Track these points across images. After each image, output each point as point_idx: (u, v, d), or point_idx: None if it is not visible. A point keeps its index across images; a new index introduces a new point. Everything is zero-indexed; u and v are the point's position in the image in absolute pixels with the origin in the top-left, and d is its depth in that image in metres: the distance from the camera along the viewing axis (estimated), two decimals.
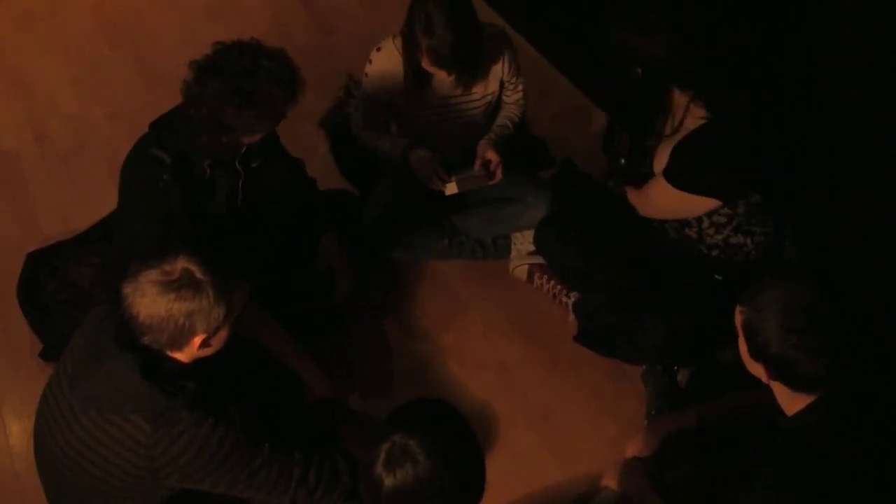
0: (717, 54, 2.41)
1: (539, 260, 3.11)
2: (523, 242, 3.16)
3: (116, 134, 3.70)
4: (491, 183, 3.02)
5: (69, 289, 2.87)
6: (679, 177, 2.48)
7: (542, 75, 4.02)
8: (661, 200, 2.58)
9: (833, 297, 1.88)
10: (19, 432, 2.73)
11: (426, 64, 2.77)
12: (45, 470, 2.15)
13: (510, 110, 3.15)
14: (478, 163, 2.99)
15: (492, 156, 2.98)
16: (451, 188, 2.95)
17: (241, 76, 2.31)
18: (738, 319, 1.95)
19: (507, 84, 3.09)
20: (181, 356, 2.00)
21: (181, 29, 4.32)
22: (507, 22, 4.18)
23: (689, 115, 2.47)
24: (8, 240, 3.33)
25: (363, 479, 1.76)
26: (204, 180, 2.51)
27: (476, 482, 1.78)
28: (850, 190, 2.75)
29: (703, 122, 2.43)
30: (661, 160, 2.53)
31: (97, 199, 3.34)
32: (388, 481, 1.70)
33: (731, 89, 2.41)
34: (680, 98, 2.49)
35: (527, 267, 3.15)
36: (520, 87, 3.12)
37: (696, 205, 2.53)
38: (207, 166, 2.49)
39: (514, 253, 3.21)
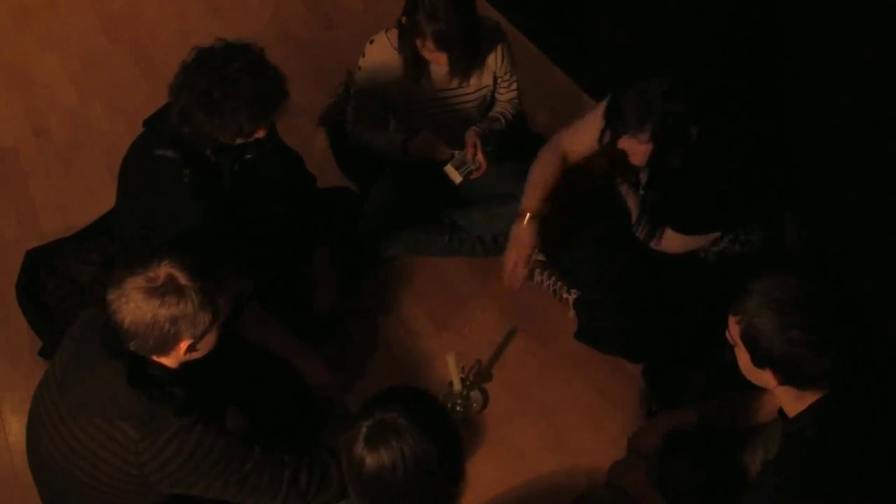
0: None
1: (539, 257, 3.11)
2: None
3: (116, 129, 3.70)
4: (475, 175, 3.02)
5: (69, 286, 2.87)
6: (681, 224, 2.54)
7: (542, 72, 4.01)
8: (672, 244, 2.65)
9: (824, 284, 1.87)
10: (18, 430, 2.73)
11: (427, 50, 2.79)
12: (38, 472, 2.15)
13: (503, 107, 3.16)
14: (468, 151, 2.99)
15: (479, 147, 2.99)
16: (455, 175, 2.96)
17: (215, 81, 2.32)
18: (735, 330, 1.92)
19: (500, 80, 3.10)
20: (168, 361, 1.99)
21: (181, 23, 4.32)
22: (506, 18, 4.18)
23: None
24: (7, 236, 3.33)
25: (344, 461, 1.75)
26: (211, 165, 2.51)
27: (457, 466, 1.79)
28: (852, 183, 2.75)
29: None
30: None
31: (97, 195, 3.34)
32: (371, 460, 1.68)
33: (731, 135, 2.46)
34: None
35: None
36: (514, 86, 3.13)
37: (699, 240, 2.62)
38: (210, 153, 2.49)
39: None
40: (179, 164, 2.44)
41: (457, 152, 3.00)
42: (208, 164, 2.51)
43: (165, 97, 2.49)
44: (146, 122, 2.55)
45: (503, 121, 3.15)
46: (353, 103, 3.10)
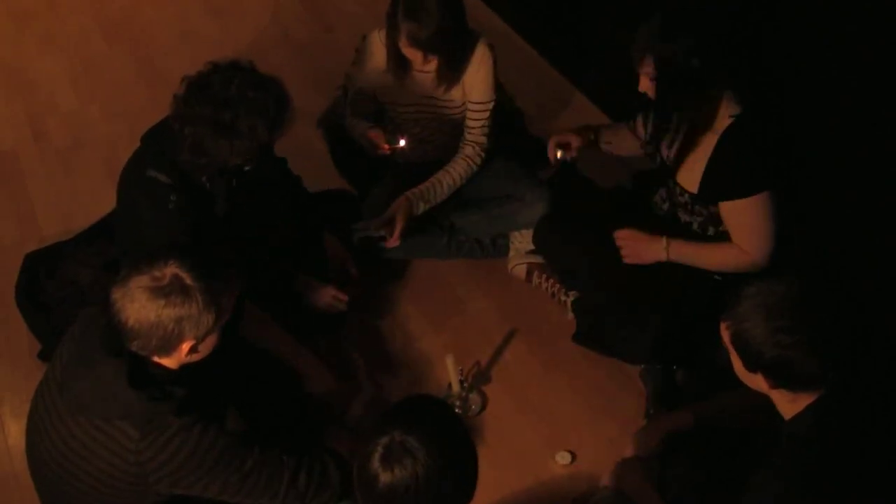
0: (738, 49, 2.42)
1: (538, 259, 3.11)
2: (522, 241, 3.15)
3: (115, 131, 3.71)
4: (387, 244, 3.01)
5: (68, 288, 2.87)
6: (750, 183, 2.47)
7: (541, 74, 4.01)
8: (756, 221, 2.53)
9: (813, 286, 1.86)
10: (18, 433, 2.73)
11: (404, 46, 2.77)
12: (37, 473, 2.14)
13: (458, 169, 3.06)
14: (376, 222, 2.98)
15: (399, 221, 2.97)
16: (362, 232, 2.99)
17: (222, 105, 2.31)
18: (726, 336, 1.92)
19: (470, 105, 3.01)
20: (169, 362, 1.99)
21: (181, 25, 4.33)
22: (506, 21, 4.18)
23: (722, 110, 2.47)
24: (6, 238, 3.33)
25: (357, 473, 1.74)
26: (205, 191, 2.51)
27: (469, 485, 1.78)
28: (852, 183, 2.74)
29: (730, 120, 2.45)
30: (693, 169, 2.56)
31: (96, 197, 3.34)
32: (385, 477, 1.68)
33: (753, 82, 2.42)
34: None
35: (525, 266, 3.15)
36: (483, 124, 3.02)
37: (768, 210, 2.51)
38: (205, 180, 2.49)
39: (512, 252, 3.20)
40: (169, 189, 2.45)
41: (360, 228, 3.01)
42: (201, 190, 2.51)
43: (165, 99, 2.48)
44: (144, 138, 2.56)
45: (444, 187, 3.04)
46: (349, 99, 3.11)
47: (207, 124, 2.33)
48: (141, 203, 2.50)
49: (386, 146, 2.99)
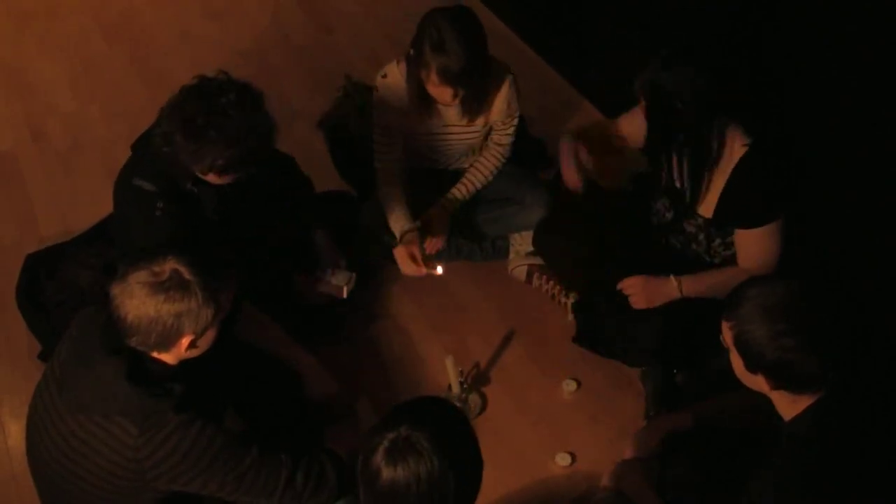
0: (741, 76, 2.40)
1: (538, 260, 3.10)
2: (522, 243, 3.15)
3: (114, 132, 3.71)
4: (430, 250, 3.00)
5: (68, 290, 2.86)
6: (767, 213, 2.48)
7: (541, 76, 4.01)
8: (768, 245, 2.54)
9: (815, 289, 1.87)
10: (18, 434, 2.73)
11: (431, 84, 2.71)
12: (37, 473, 2.15)
13: (487, 163, 3.09)
14: (408, 237, 2.94)
15: (439, 230, 3.00)
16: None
17: (203, 109, 2.31)
18: (728, 336, 1.93)
19: (497, 124, 3.02)
20: (168, 357, 2.00)
21: (180, 27, 4.33)
22: (506, 23, 4.18)
23: (730, 141, 2.47)
24: (6, 238, 3.33)
25: (361, 466, 1.72)
26: (192, 196, 2.51)
27: (472, 489, 1.77)
28: (852, 183, 2.74)
29: (743, 148, 2.45)
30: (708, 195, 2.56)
31: (95, 198, 3.33)
32: (387, 473, 1.66)
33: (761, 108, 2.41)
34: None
35: (525, 267, 3.15)
36: (510, 130, 3.03)
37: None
38: (191, 186, 2.49)
39: (512, 253, 3.20)
40: (154, 197, 2.45)
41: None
42: (187, 195, 2.51)
43: (164, 100, 2.49)
44: (133, 146, 2.56)
45: (478, 184, 3.08)
46: (374, 141, 3.02)
47: (182, 118, 2.33)
48: (130, 211, 2.52)
49: (423, 269, 2.91)
